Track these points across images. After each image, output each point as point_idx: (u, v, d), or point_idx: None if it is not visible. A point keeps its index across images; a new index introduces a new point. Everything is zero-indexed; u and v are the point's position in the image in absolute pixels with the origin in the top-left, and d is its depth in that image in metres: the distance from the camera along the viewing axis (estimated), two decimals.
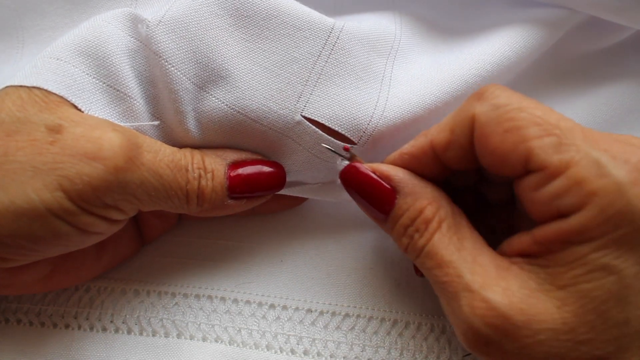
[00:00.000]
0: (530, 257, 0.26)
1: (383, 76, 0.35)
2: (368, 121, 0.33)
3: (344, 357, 0.35)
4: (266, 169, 0.33)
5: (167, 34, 0.31)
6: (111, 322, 0.36)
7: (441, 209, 0.29)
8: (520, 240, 0.27)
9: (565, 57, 0.41)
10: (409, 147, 0.31)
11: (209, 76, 0.32)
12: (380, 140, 0.33)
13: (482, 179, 0.33)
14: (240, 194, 0.32)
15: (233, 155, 0.33)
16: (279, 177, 0.33)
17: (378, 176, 0.30)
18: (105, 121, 0.30)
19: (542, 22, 0.37)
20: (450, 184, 0.33)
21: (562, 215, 0.24)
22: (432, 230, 0.28)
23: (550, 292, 0.25)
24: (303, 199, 0.37)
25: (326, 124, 0.32)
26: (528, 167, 0.25)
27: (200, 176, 0.31)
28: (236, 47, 0.32)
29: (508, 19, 0.37)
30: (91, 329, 0.35)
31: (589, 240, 0.24)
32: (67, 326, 0.35)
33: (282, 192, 0.35)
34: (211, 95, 0.32)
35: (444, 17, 0.41)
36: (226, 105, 0.32)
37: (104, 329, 0.35)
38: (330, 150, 0.32)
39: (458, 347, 0.35)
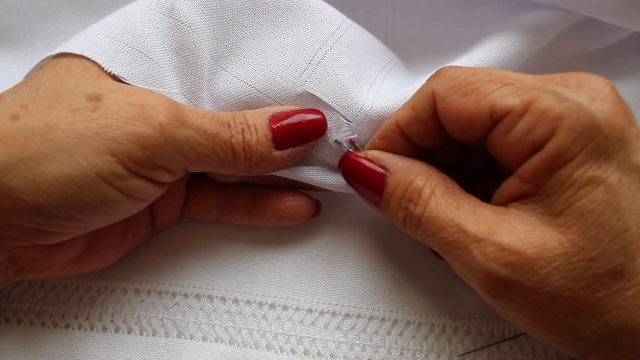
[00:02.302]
0: (522, 198, 0.27)
1: (375, 80, 0.37)
2: (363, 101, 0.34)
3: (344, 357, 0.34)
4: (307, 116, 0.33)
5: (193, 8, 0.33)
6: (111, 321, 0.36)
7: (431, 177, 0.30)
8: (509, 185, 0.28)
9: (564, 57, 0.42)
10: (377, 133, 0.33)
11: (224, 52, 0.34)
12: (377, 122, 0.34)
13: (465, 152, 0.35)
14: (286, 143, 0.33)
15: (272, 109, 0.34)
16: (320, 123, 0.34)
17: (369, 160, 0.32)
18: (141, 88, 0.31)
19: (536, 23, 0.37)
20: (437, 161, 0.34)
21: (538, 147, 0.26)
22: (426, 197, 0.29)
23: (551, 222, 0.26)
24: (304, 217, 0.37)
25: (323, 99, 0.34)
26: (494, 117, 0.27)
27: (243, 130, 0.32)
28: (250, 29, 0.35)
29: (504, 21, 0.38)
30: (91, 328, 0.35)
31: (569, 160, 0.25)
32: (67, 326, 0.35)
33: (287, 174, 0.35)
34: (223, 69, 0.34)
35: (439, 23, 0.42)
36: (235, 77, 0.34)
37: (105, 329, 0.35)
38: (337, 113, 0.34)
39: (458, 346, 0.35)
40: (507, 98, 0.27)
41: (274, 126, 0.32)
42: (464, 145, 0.34)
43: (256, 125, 0.32)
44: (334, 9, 0.38)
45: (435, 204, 0.28)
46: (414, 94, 0.31)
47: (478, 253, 0.26)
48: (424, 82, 0.31)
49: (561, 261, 0.25)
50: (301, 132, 0.33)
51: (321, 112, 0.34)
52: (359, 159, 0.32)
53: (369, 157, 0.32)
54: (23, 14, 0.43)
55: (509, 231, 0.26)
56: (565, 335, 0.26)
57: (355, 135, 0.34)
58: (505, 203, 0.28)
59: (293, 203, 0.36)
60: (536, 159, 0.26)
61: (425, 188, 0.29)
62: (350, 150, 0.34)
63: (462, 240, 0.27)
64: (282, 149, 0.33)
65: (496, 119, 0.27)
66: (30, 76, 0.31)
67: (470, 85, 0.28)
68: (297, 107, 0.34)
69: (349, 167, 0.33)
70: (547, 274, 0.25)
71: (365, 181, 0.32)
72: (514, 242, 0.26)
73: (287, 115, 0.33)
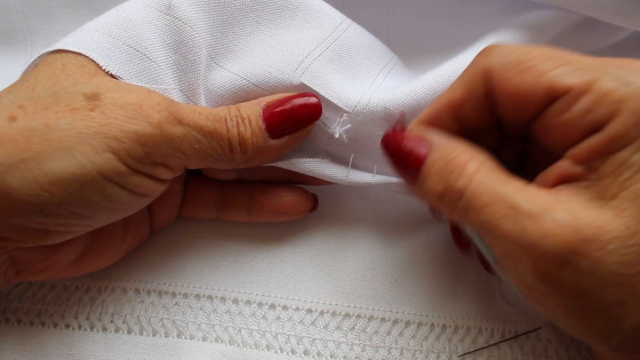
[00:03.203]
0: (571, 181, 0.26)
1: (375, 79, 0.37)
2: (362, 94, 0.34)
3: (344, 357, 0.34)
4: (299, 101, 0.33)
5: (191, 5, 0.33)
6: (111, 321, 0.35)
7: (477, 155, 0.28)
8: (558, 167, 0.27)
9: None
10: (424, 113, 0.31)
11: (220, 49, 0.34)
12: (378, 113, 0.34)
13: (503, 141, 0.33)
14: (280, 132, 0.32)
15: (266, 99, 0.33)
16: (313, 107, 0.33)
17: (412, 136, 0.30)
18: (138, 85, 0.31)
19: (536, 23, 0.37)
20: None
21: (595, 129, 0.25)
22: (471, 171, 0.27)
23: (604, 206, 0.25)
24: (302, 212, 0.37)
25: (320, 92, 0.34)
26: (552, 96, 0.26)
27: (238, 124, 0.31)
28: (248, 27, 0.35)
29: (504, 20, 0.38)
30: (91, 328, 0.35)
31: (628, 143, 0.24)
32: (67, 326, 0.35)
33: (287, 166, 0.35)
34: (219, 66, 0.34)
35: (439, 22, 0.42)
36: (230, 72, 0.34)
37: (105, 329, 0.35)
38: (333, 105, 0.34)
39: (458, 346, 0.35)
40: (567, 77, 0.26)
41: (267, 114, 0.32)
42: (500, 138, 0.33)
43: (249, 117, 0.32)
44: (334, 9, 0.38)
45: (482, 179, 0.27)
46: (463, 74, 0.30)
47: (533, 229, 0.25)
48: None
49: (616, 244, 0.24)
50: (295, 118, 0.33)
51: (315, 95, 0.33)
52: (401, 134, 0.30)
53: (413, 132, 0.31)
54: (23, 14, 0.43)
55: (565, 210, 0.25)
56: (604, 325, 0.25)
57: (348, 126, 0.34)
58: (551, 186, 0.27)
59: (291, 198, 0.37)
60: (594, 141, 0.25)
61: (471, 162, 0.27)
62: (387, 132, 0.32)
63: (513, 216, 0.25)
64: (277, 138, 0.33)
65: (554, 97, 0.26)
66: (25, 75, 0.31)
67: (528, 62, 0.27)
68: (291, 94, 0.34)
69: (390, 142, 0.31)
70: (602, 256, 0.24)
71: (406, 157, 0.30)
72: (572, 220, 0.24)
73: (280, 102, 0.33)
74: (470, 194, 0.27)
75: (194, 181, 0.38)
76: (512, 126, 0.31)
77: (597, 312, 0.25)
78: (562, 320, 0.28)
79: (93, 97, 0.28)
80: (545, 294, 0.26)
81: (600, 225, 0.24)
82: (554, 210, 0.25)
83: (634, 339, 0.25)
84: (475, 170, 0.27)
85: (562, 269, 0.24)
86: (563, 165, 0.27)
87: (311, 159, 0.35)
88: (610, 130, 0.25)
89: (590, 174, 0.25)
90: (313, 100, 0.33)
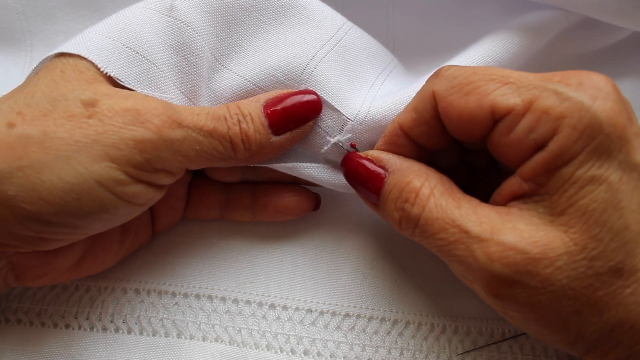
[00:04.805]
0: (523, 197, 0.27)
1: (374, 83, 0.37)
2: (362, 102, 0.35)
3: (344, 357, 0.34)
4: (301, 98, 0.33)
5: (193, 7, 0.33)
6: (111, 321, 0.35)
7: (430, 178, 0.29)
8: (510, 184, 0.28)
9: (564, 57, 0.42)
10: (381, 138, 0.33)
11: (225, 50, 0.34)
12: (377, 122, 0.34)
13: (465, 153, 0.35)
14: (283, 128, 0.33)
15: (265, 96, 0.33)
16: (314, 103, 0.34)
17: (369, 160, 0.32)
18: (135, 92, 0.30)
19: (536, 23, 0.37)
20: (438, 165, 0.34)
21: (539, 146, 0.26)
22: (424, 197, 0.29)
23: (553, 222, 0.26)
24: (304, 212, 0.38)
25: (324, 97, 0.34)
26: (495, 117, 0.27)
27: (239, 121, 0.32)
28: (252, 27, 0.35)
29: (504, 21, 0.38)
30: (91, 328, 0.35)
31: (571, 159, 0.25)
32: (67, 326, 0.35)
33: (289, 171, 0.35)
34: (224, 67, 0.34)
35: (439, 23, 0.42)
36: (237, 74, 0.34)
37: (104, 329, 0.35)
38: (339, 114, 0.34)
39: (458, 346, 0.35)
40: (508, 97, 0.27)
41: (269, 112, 0.32)
42: (465, 149, 0.34)
43: (251, 114, 0.32)
44: (335, 11, 0.38)
45: (435, 204, 0.28)
46: (415, 96, 0.31)
47: (481, 253, 0.26)
48: (424, 82, 0.31)
49: (564, 260, 0.25)
50: (297, 114, 0.33)
51: (313, 92, 0.34)
52: (359, 159, 0.32)
53: (369, 157, 0.32)
54: (23, 14, 0.43)
55: (512, 230, 0.26)
56: (567, 334, 0.26)
57: (349, 135, 0.34)
58: (505, 202, 0.28)
59: (293, 199, 0.37)
60: (538, 158, 0.26)
61: (424, 188, 0.29)
62: (352, 151, 0.34)
63: (464, 241, 0.27)
64: (279, 134, 0.33)
65: (497, 118, 0.27)
66: (26, 81, 0.31)
67: (471, 84, 0.28)
68: (290, 90, 0.34)
69: (350, 167, 0.33)
70: (551, 273, 0.25)
71: (365, 181, 0.32)
72: (518, 241, 0.25)
73: (281, 99, 0.33)
74: (424, 221, 0.28)
75: (198, 184, 0.38)
76: (468, 144, 0.32)
77: (556, 322, 0.26)
78: (528, 330, 0.29)
79: (90, 104, 0.28)
80: (505, 307, 0.27)
81: (547, 243, 0.25)
82: (501, 232, 0.26)
83: (601, 343, 0.26)
84: (427, 195, 0.29)
85: (511, 288, 0.26)
86: (514, 182, 0.27)
87: (313, 165, 0.35)
88: (552, 147, 0.25)
89: (539, 189, 0.26)
90: (312, 96, 0.33)
